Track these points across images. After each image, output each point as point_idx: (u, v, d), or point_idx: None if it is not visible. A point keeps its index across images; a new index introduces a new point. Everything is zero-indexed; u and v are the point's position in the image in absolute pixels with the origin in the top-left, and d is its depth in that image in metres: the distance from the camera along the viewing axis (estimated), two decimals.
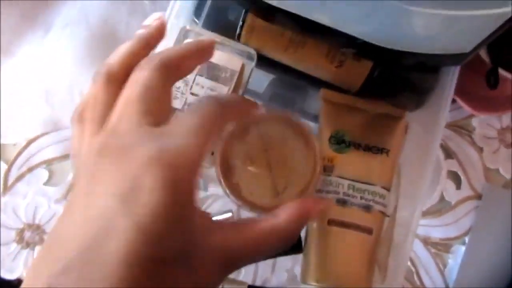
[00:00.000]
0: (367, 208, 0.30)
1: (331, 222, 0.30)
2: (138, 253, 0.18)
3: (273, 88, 0.38)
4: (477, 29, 0.23)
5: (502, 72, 0.44)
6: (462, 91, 0.49)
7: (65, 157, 0.47)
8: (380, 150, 0.32)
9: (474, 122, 0.51)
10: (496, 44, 0.43)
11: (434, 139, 0.34)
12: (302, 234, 0.32)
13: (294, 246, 0.31)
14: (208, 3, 0.34)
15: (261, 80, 0.39)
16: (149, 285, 0.18)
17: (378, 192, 0.31)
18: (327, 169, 0.32)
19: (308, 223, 0.31)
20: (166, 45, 0.34)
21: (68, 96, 0.48)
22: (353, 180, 0.31)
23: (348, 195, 0.30)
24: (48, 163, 0.47)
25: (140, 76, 0.23)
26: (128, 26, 0.50)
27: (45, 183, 0.46)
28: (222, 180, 0.29)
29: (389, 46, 0.26)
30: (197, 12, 0.35)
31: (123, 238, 0.18)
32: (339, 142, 0.32)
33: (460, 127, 0.51)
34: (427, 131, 0.33)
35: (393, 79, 0.31)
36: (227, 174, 0.29)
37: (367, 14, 0.23)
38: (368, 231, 0.30)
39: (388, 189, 0.31)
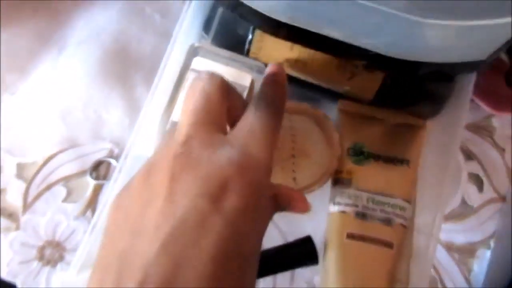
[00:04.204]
0: (387, 222, 0.29)
1: (350, 236, 0.30)
2: (230, 249, 0.19)
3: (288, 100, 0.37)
4: (493, 37, 0.22)
5: None
6: (481, 91, 0.47)
7: (82, 173, 0.47)
8: (400, 161, 0.31)
9: (495, 122, 0.49)
10: None
11: (452, 144, 0.33)
12: (319, 245, 0.31)
13: (310, 258, 0.31)
14: (217, 18, 0.34)
15: None
16: (235, 277, 0.19)
17: (398, 204, 0.30)
18: (346, 182, 0.31)
19: (327, 236, 0.31)
20: (175, 59, 0.35)
21: (83, 113, 0.49)
22: (372, 193, 0.30)
23: (368, 208, 0.30)
24: (65, 180, 0.47)
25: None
26: (140, 42, 0.50)
27: (64, 200, 0.47)
28: None
29: (402, 57, 0.25)
30: (206, 27, 0.35)
31: (217, 236, 0.19)
32: (358, 154, 0.32)
33: (480, 128, 0.50)
34: (446, 136, 0.32)
35: (408, 89, 0.30)
36: None
37: (379, 27, 0.23)
38: (389, 245, 0.29)
39: (409, 202, 0.31)
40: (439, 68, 0.27)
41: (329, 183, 0.33)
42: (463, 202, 0.48)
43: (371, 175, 0.31)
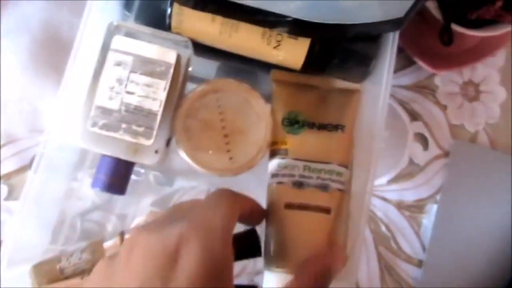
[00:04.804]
0: (324, 188, 0.30)
1: (288, 206, 0.30)
2: None
3: (222, 74, 0.37)
4: None
5: (456, 27, 0.43)
6: (420, 51, 0.48)
7: (23, 169, 0.45)
8: (335, 127, 0.31)
9: (437, 80, 0.50)
10: (447, 1, 0.42)
11: (381, 107, 0.32)
12: (261, 229, 0.32)
13: (253, 251, 0.31)
14: None
15: (210, 66, 0.38)
16: None
17: (334, 170, 0.30)
18: (282, 153, 0.31)
19: (268, 208, 0.31)
20: (91, 44, 0.33)
21: (19, 106, 0.46)
22: (308, 161, 0.30)
23: (304, 177, 0.30)
24: (6, 177, 0.45)
25: None
26: (71, 26, 0.48)
27: (6, 199, 0.45)
28: (180, 142, 0.31)
29: (321, 21, 0.25)
30: (127, 4, 0.33)
31: None
32: (292, 123, 0.31)
33: (423, 87, 0.50)
34: (374, 99, 0.32)
35: (336, 52, 0.30)
36: (185, 137, 0.31)
37: None
38: (327, 210, 0.29)
39: (346, 166, 0.31)
40: (361, 29, 0.26)
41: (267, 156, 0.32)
42: (411, 161, 0.49)
43: (306, 144, 0.31)
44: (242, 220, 0.27)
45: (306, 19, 0.25)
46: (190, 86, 0.34)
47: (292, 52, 0.30)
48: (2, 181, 0.45)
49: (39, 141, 0.46)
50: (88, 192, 0.45)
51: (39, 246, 0.41)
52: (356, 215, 0.30)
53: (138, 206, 0.44)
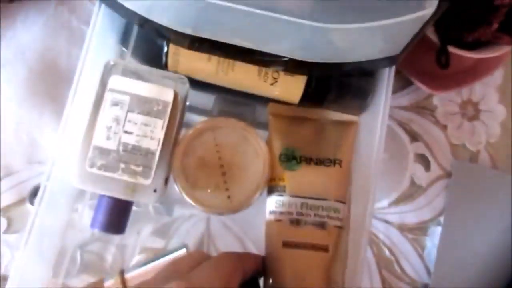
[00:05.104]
0: (321, 225, 0.29)
1: (285, 244, 0.29)
2: None
3: (220, 105, 0.37)
4: (400, 34, 0.22)
5: (453, 49, 0.43)
6: (417, 72, 0.48)
7: (21, 201, 0.45)
8: (332, 162, 0.31)
9: (435, 100, 0.50)
10: (443, 24, 0.42)
11: (379, 136, 0.32)
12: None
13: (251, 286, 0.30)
14: (135, 31, 0.32)
15: (207, 97, 0.38)
16: None
17: (332, 206, 0.30)
18: (280, 189, 0.31)
19: (266, 246, 0.31)
20: (90, 82, 0.33)
21: (14, 138, 0.46)
22: (306, 198, 0.30)
23: (302, 214, 0.30)
24: (4, 210, 0.45)
25: None
26: (69, 57, 0.48)
27: (5, 232, 0.45)
28: (178, 181, 0.31)
29: (316, 61, 0.25)
30: (124, 40, 0.33)
31: None
32: (290, 159, 0.31)
33: (422, 108, 0.50)
34: (372, 129, 0.32)
35: (333, 87, 0.30)
36: (183, 176, 0.31)
37: (283, 35, 0.22)
38: (324, 248, 0.29)
39: (343, 202, 0.30)
40: (357, 66, 0.26)
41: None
42: (412, 182, 0.48)
43: (304, 180, 0.30)
44: (246, 276, 0.26)
45: (302, 59, 0.25)
46: (187, 115, 0.34)
47: (289, 87, 0.30)
48: (0, 214, 0.45)
49: (37, 173, 0.46)
50: (87, 223, 0.44)
51: (41, 281, 0.40)
52: (356, 244, 0.30)
53: (138, 236, 0.44)
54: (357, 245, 0.30)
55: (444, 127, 0.49)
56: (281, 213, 0.30)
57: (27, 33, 0.48)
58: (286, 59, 0.25)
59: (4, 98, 0.47)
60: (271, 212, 0.31)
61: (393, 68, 0.30)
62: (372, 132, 0.31)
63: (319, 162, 0.31)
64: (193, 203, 0.31)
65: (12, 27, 0.49)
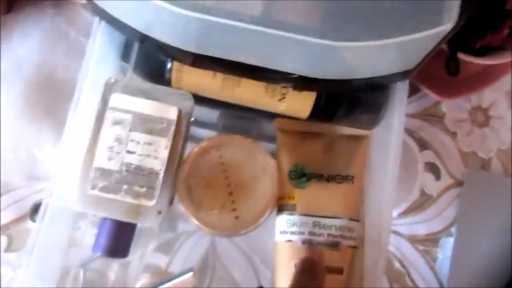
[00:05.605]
0: (335, 246, 0.28)
1: (297, 267, 0.28)
2: None
3: (224, 119, 0.35)
4: (416, 50, 0.21)
5: (462, 56, 0.42)
6: (426, 79, 0.47)
7: (21, 219, 0.44)
8: (344, 178, 0.29)
9: (444, 107, 0.49)
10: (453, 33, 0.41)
11: (394, 150, 0.31)
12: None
13: None
14: (136, 46, 0.31)
15: (212, 110, 0.36)
16: None
17: (346, 225, 0.28)
18: (290, 208, 0.29)
19: (275, 266, 0.29)
20: (91, 99, 0.32)
21: (13, 154, 0.45)
22: (318, 216, 0.29)
23: (314, 234, 0.28)
24: (5, 228, 0.44)
25: None
26: (67, 70, 0.47)
27: (6, 250, 0.43)
28: (183, 202, 0.30)
29: (325, 78, 0.23)
30: (125, 55, 0.32)
31: None
32: (300, 176, 0.30)
33: (430, 115, 0.49)
34: (385, 142, 0.31)
35: (343, 102, 0.29)
36: (189, 197, 0.30)
37: (291, 52, 0.21)
38: (338, 270, 0.28)
39: (357, 220, 0.29)
40: (369, 82, 0.25)
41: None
42: (422, 192, 0.47)
43: (315, 198, 0.29)
44: None
45: (311, 76, 0.23)
46: (191, 128, 0.33)
47: (298, 103, 0.29)
48: (1, 232, 0.44)
49: (37, 189, 0.45)
50: (90, 240, 0.43)
51: None
52: (373, 264, 0.28)
53: (141, 253, 0.43)
54: (374, 266, 0.29)
55: (453, 135, 0.48)
56: (292, 233, 0.29)
57: (24, 45, 0.47)
58: (294, 76, 0.24)
59: (2, 113, 0.45)
60: (281, 232, 0.29)
61: (407, 82, 0.29)
62: (386, 146, 0.30)
63: (331, 178, 0.29)
64: (199, 225, 0.29)
65: (8, 39, 0.48)
